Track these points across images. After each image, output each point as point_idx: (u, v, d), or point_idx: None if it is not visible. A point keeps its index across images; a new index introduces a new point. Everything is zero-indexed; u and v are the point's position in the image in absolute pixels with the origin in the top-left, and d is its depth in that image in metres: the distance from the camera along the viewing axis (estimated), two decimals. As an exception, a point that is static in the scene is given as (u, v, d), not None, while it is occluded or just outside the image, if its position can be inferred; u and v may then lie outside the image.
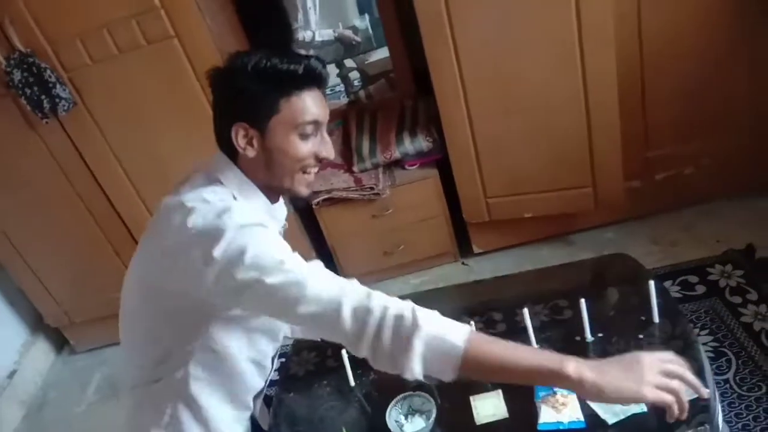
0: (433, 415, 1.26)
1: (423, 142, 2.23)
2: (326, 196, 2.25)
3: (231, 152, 1.13)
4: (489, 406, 1.30)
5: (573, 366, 0.94)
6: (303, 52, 1.16)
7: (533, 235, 2.41)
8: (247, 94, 1.06)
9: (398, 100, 2.48)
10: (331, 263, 2.49)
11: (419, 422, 1.29)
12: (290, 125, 1.08)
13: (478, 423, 1.27)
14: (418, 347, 0.99)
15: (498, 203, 2.25)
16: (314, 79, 1.09)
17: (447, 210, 2.34)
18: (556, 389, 1.28)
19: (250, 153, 1.10)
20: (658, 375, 0.93)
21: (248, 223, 1.02)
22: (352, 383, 1.42)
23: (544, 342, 1.39)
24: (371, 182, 2.22)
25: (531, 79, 1.97)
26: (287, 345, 2.30)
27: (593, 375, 0.93)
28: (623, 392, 0.93)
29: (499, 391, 1.31)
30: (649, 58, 2.03)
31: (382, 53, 2.95)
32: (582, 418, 1.21)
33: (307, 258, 1.08)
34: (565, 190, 2.20)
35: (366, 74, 3.10)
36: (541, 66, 1.94)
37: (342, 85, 3.05)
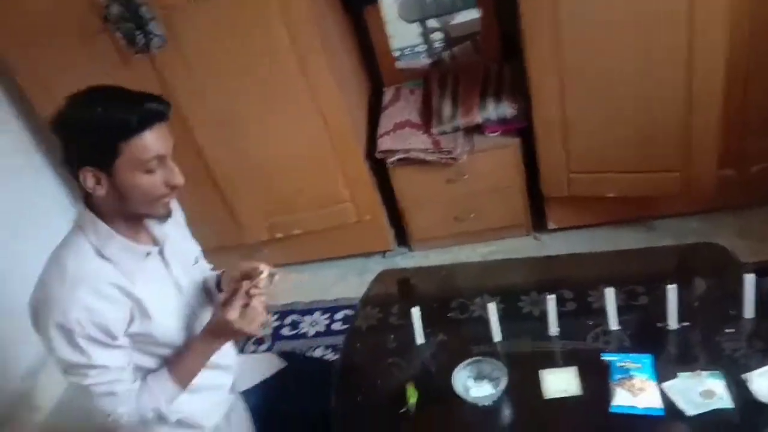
0: (503, 384, 1.24)
1: (507, 109, 2.16)
2: (402, 156, 2.22)
3: (86, 193, 1.17)
4: (560, 382, 1.27)
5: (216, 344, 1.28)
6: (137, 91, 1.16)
7: (612, 216, 2.31)
8: (87, 142, 1.10)
9: (483, 64, 2.40)
10: (400, 225, 2.48)
11: (487, 388, 1.27)
12: (134, 165, 1.11)
13: (546, 397, 1.24)
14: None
15: (579, 179, 2.17)
16: (153, 120, 1.11)
17: (524, 181, 2.27)
18: (633, 373, 1.24)
19: (100, 192, 1.14)
20: (233, 316, 1.20)
21: (75, 362, 1.15)
22: (420, 341, 1.42)
23: (621, 325, 1.35)
24: (449, 146, 2.18)
25: (633, 50, 1.86)
26: (352, 298, 2.34)
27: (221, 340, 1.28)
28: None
29: (575, 368, 1.28)
30: (757, 38, 1.87)
31: (467, 15, 2.86)
32: (660, 406, 1.17)
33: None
34: (653, 173, 2.09)
35: (449, 35, 3.03)
36: (645, 37, 1.83)
37: (424, 45, 3.00)
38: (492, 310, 1.35)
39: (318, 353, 2.20)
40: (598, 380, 1.24)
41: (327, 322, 2.34)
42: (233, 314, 1.20)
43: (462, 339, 1.43)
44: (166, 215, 1.21)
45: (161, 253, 1.29)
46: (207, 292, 1.44)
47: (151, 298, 1.22)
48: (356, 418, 1.32)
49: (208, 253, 2.22)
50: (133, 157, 1.10)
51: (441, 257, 2.47)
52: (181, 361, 1.28)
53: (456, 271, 1.71)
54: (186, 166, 2.24)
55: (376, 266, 2.53)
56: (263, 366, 1.60)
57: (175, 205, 1.40)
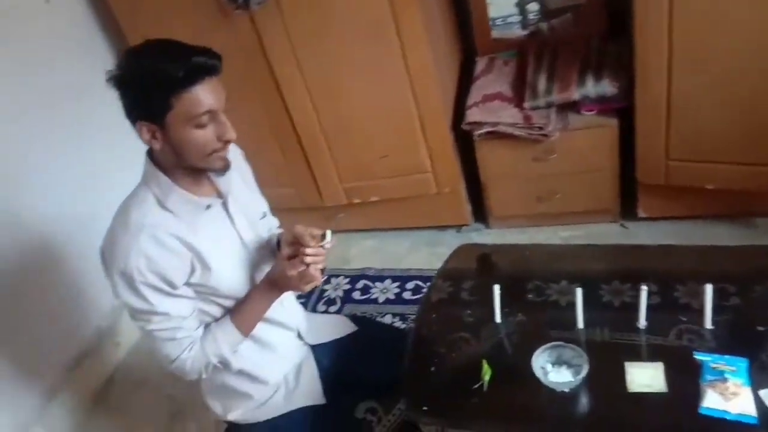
0: (584, 372, 1.19)
1: (608, 87, 2.04)
2: (490, 129, 2.14)
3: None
4: (645, 377, 1.21)
5: (276, 292, 1.33)
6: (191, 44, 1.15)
7: (709, 209, 2.16)
8: (139, 95, 1.12)
9: (584, 38, 2.27)
10: (478, 201, 2.43)
11: (566, 374, 1.23)
12: (185, 119, 1.11)
13: (630, 391, 1.19)
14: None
15: (679, 167, 2.03)
16: (201, 73, 1.10)
17: (618, 165, 2.15)
18: (727, 375, 1.16)
19: (157, 146, 1.16)
20: (293, 273, 1.23)
21: (138, 307, 1.21)
22: (498, 319, 1.38)
23: (715, 325, 1.26)
24: (541, 121, 2.09)
25: (755, 31, 1.70)
26: (424, 270, 2.33)
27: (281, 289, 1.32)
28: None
29: (661, 364, 1.22)
30: None
31: None
32: (754, 414, 1.09)
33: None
34: (761, 166, 1.93)
35: (546, 7, 2.89)
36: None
37: (519, 15, 2.88)
38: (579, 296, 1.29)
39: (386, 320, 2.20)
40: (686, 379, 1.18)
41: (397, 290, 2.34)
42: (293, 272, 1.23)
43: (541, 322, 1.38)
44: (223, 169, 1.21)
45: (225, 206, 1.30)
46: (270, 249, 1.46)
47: (211, 251, 1.24)
48: (427, 388, 1.31)
49: (289, 212, 2.27)
50: (183, 112, 1.11)
51: (518, 237, 2.40)
52: (242, 309, 1.32)
53: (538, 252, 1.65)
54: (272, 125, 2.36)
55: (450, 240, 2.50)
56: (335, 326, 1.62)
57: (240, 160, 1.42)
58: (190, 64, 1.09)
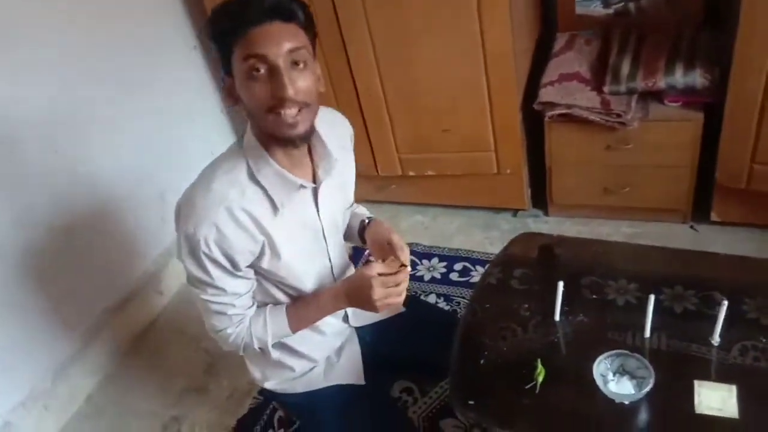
0: (649, 386, 1.09)
1: (698, 78, 1.88)
2: (563, 111, 2.01)
3: None
4: (716, 399, 1.11)
5: (342, 305, 1.25)
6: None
7: (794, 220, 2.01)
8: (215, 41, 1.04)
9: (676, 23, 2.10)
10: (539, 185, 2.31)
11: (627, 386, 1.13)
12: (240, 65, 1.01)
13: (697, 411, 1.09)
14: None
15: (764, 171, 1.87)
16: (263, 14, 0.98)
17: (697, 163, 2.00)
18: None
19: (234, 103, 1.08)
20: (379, 294, 1.14)
21: (196, 275, 1.14)
22: (557, 318, 1.29)
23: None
24: (620, 108, 1.94)
25: None
26: (474, 252, 2.24)
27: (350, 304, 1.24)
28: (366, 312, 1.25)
29: (733, 388, 1.11)
30: None
31: None
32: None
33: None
34: None
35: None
36: None
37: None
38: (651, 302, 1.19)
39: (430, 300, 2.13)
40: (761, 407, 1.07)
41: (444, 270, 2.26)
42: (379, 293, 1.14)
43: (603, 325, 1.28)
44: (293, 138, 1.05)
45: (315, 193, 1.20)
46: (350, 236, 1.40)
47: (286, 238, 1.17)
48: (475, 382, 1.24)
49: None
50: (238, 56, 1.01)
51: (578, 228, 2.29)
52: (302, 308, 1.26)
53: (605, 249, 1.53)
54: (334, 86, 2.28)
55: (504, 223, 2.40)
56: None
57: (347, 140, 1.33)
58: (253, 2, 0.99)
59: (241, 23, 0.99)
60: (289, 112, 1.02)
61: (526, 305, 1.35)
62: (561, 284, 1.27)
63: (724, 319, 1.18)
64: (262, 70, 1.00)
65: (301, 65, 1.02)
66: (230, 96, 1.08)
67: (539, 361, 1.20)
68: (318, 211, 1.22)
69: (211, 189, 1.09)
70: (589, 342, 1.23)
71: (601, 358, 1.15)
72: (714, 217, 2.10)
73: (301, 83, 1.02)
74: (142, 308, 2.32)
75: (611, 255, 1.53)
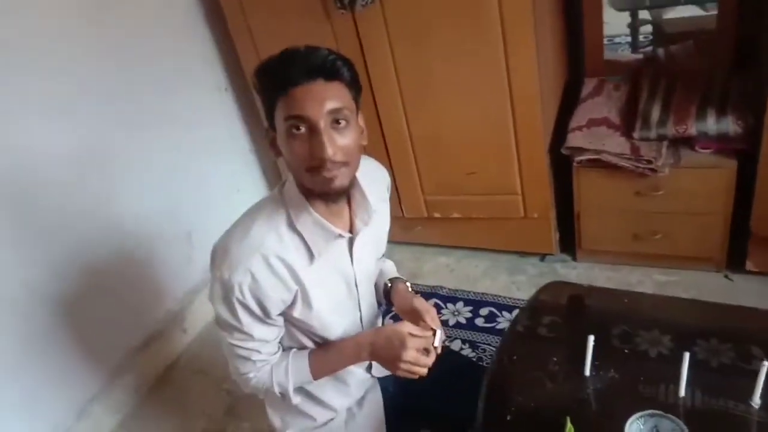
0: (685, 451, 1.04)
1: (731, 125, 1.85)
2: (592, 157, 1.99)
3: None
4: (757, 467, 1.05)
5: (365, 356, 1.21)
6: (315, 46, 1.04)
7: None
8: (259, 94, 1.06)
9: (707, 69, 2.08)
10: (567, 229, 2.27)
11: (662, 449, 1.08)
12: (281, 123, 1.02)
13: (736, 481, 1.03)
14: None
15: (803, 222, 1.82)
16: (307, 73, 0.99)
17: (731, 211, 1.95)
18: None
19: (277, 155, 1.09)
20: (410, 356, 1.12)
21: (226, 319, 1.13)
22: (588, 372, 1.25)
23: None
24: (651, 154, 1.92)
25: None
26: (500, 296, 2.21)
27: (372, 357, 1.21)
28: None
29: (775, 454, 1.05)
30: None
31: (684, 11, 2.56)
32: None
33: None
34: None
35: (661, 31, 2.70)
36: None
37: (629, 37, 2.70)
38: (685, 361, 1.14)
39: (454, 346, 2.09)
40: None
41: (469, 314, 2.22)
42: (410, 355, 1.12)
43: (635, 380, 1.23)
44: (331, 193, 1.06)
45: (350, 243, 1.20)
46: (376, 293, 1.39)
47: (319, 287, 1.16)
48: (503, 438, 1.19)
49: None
50: (280, 113, 1.02)
51: (607, 274, 2.23)
52: (325, 356, 1.23)
53: (637, 301, 1.49)
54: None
55: (530, 268, 2.36)
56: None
57: (384, 192, 1.33)
58: (298, 62, 1.00)
59: (283, 82, 1.00)
60: (327, 174, 1.02)
61: (555, 358, 1.30)
62: (591, 338, 1.23)
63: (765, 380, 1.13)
64: (303, 129, 1.00)
65: (343, 123, 1.02)
66: (273, 148, 1.10)
67: (568, 419, 1.15)
68: (352, 261, 1.22)
69: (250, 235, 1.09)
70: (621, 399, 1.18)
71: (633, 418, 1.10)
72: (749, 266, 2.03)
73: (341, 142, 1.02)
74: (165, 346, 2.32)
75: (643, 307, 1.48)
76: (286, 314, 1.17)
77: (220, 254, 1.11)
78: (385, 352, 1.15)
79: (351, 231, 1.18)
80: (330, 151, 0.99)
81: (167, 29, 2.28)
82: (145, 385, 2.24)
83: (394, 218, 2.42)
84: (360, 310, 1.30)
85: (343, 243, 1.19)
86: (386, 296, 1.36)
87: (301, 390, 1.29)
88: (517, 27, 1.82)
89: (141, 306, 2.25)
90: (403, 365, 1.12)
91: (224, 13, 2.29)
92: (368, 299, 1.32)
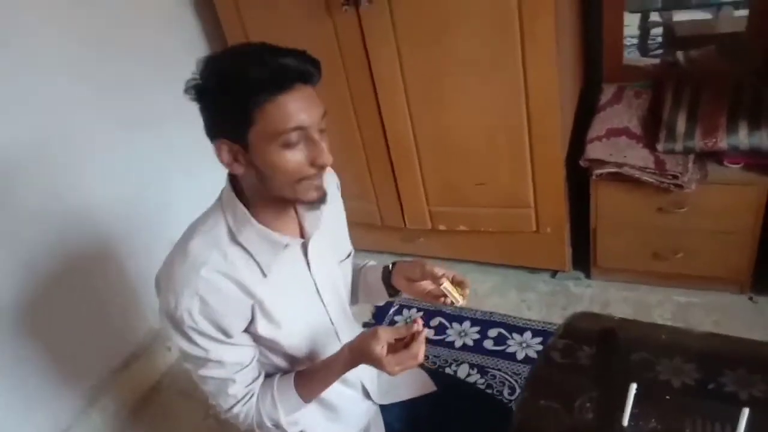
0: None
1: (765, 139, 1.71)
2: (613, 170, 1.85)
3: None
4: None
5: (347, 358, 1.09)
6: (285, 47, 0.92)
7: None
8: (218, 107, 0.92)
9: (735, 77, 1.94)
10: (580, 245, 2.13)
11: None
12: (270, 136, 0.90)
13: None
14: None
15: (840, 244, 1.70)
16: (291, 79, 0.89)
17: (759, 230, 1.82)
18: None
19: (238, 170, 0.96)
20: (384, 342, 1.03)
21: (188, 351, 1.02)
22: (625, 423, 1.10)
23: None
24: (676, 169, 1.78)
25: None
26: (509, 316, 2.06)
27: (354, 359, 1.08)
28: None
29: None
30: None
31: (696, 14, 2.48)
32: None
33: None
34: None
35: (672, 34, 2.58)
36: None
37: (637, 39, 2.57)
38: (744, 417, 1.00)
39: (462, 371, 1.94)
40: None
41: (477, 336, 2.07)
42: (383, 339, 1.03)
43: (679, 432, 1.09)
44: (318, 200, 0.99)
45: (304, 247, 1.09)
46: (365, 288, 1.28)
47: (277, 300, 1.04)
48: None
49: (365, 228, 2.03)
50: (267, 127, 0.89)
51: (624, 293, 2.10)
52: (310, 374, 1.12)
53: (678, 338, 1.34)
54: (361, 131, 2.13)
55: (542, 285, 2.23)
56: (411, 384, 1.38)
57: (333, 190, 1.19)
58: (276, 65, 0.88)
59: (269, 91, 0.88)
60: (317, 182, 0.98)
61: (589, 405, 1.16)
62: (633, 387, 1.08)
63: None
64: (296, 139, 0.92)
65: (324, 126, 0.96)
66: (234, 162, 0.96)
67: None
68: (309, 267, 1.11)
69: (189, 253, 0.98)
70: (666, 456, 1.04)
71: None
72: (777, 289, 1.91)
73: (328, 148, 0.96)
74: (147, 366, 2.16)
75: (687, 345, 1.33)
76: (252, 333, 1.06)
77: (163, 282, 0.99)
78: (359, 350, 1.06)
79: (302, 235, 1.08)
80: (329, 157, 0.95)
81: (153, 20, 2.12)
82: (125, 409, 2.08)
83: (396, 229, 2.31)
84: (331, 321, 1.18)
85: (296, 249, 1.08)
86: (386, 281, 1.24)
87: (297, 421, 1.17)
88: (538, 31, 1.67)
89: (122, 323, 2.08)
90: (383, 366, 1.03)
91: (214, 3, 2.12)
92: (338, 307, 1.20)
